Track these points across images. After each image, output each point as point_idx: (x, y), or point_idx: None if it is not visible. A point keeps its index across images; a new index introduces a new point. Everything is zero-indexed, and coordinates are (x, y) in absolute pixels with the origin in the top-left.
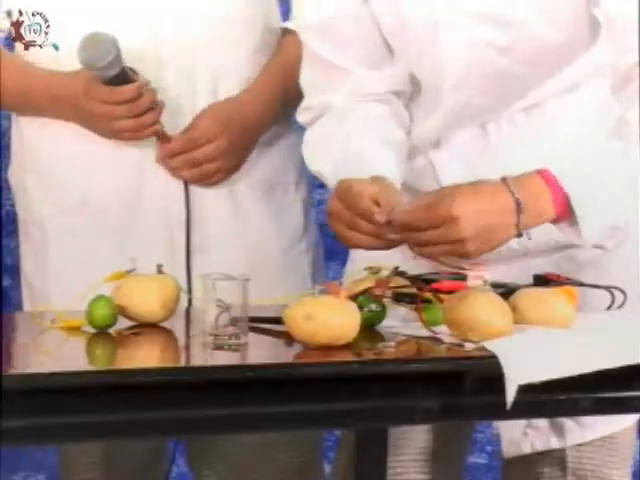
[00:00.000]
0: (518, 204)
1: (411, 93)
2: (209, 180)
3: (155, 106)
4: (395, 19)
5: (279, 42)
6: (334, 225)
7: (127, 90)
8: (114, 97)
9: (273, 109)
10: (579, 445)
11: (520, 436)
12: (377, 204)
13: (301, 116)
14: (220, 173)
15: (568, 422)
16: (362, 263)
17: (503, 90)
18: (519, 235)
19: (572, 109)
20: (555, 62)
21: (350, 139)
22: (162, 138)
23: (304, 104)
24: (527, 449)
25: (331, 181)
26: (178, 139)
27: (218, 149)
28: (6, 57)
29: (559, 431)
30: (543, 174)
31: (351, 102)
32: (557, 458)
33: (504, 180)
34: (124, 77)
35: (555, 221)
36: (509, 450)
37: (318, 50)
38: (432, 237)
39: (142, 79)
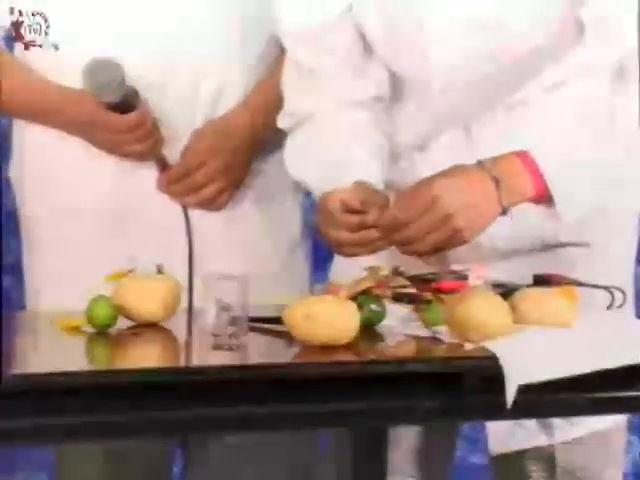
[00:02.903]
0: (496, 181)
1: (397, 97)
2: (214, 204)
3: (157, 126)
4: (382, 26)
5: (282, 49)
6: (326, 241)
7: (133, 118)
8: (122, 127)
9: (269, 122)
10: (568, 442)
11: (507, 433)
12: (351, 210)
13: (282, 122)
14: (222, 195)
15: (556, 419)
16: (349, 260)
17: (489, 92)
18: (504, 213)
19: (554, 107)
20: (541, 63)
21: (333, 147)
22: (159, 161)
23: (285, 110)
24: (514, 446)
25: (314, 189)
26: (174, 167)
27: (213, 171)
28: (15, 69)
29: (547, 428)
30: (520, 155)
31: (333, 109)
32: (546, 455)
33: (479, 162)
34: (128, 101)
35: (534, 202)
36: (496, 447)
37: (301, 57)
38: (421, 226)
39: (142, 102)
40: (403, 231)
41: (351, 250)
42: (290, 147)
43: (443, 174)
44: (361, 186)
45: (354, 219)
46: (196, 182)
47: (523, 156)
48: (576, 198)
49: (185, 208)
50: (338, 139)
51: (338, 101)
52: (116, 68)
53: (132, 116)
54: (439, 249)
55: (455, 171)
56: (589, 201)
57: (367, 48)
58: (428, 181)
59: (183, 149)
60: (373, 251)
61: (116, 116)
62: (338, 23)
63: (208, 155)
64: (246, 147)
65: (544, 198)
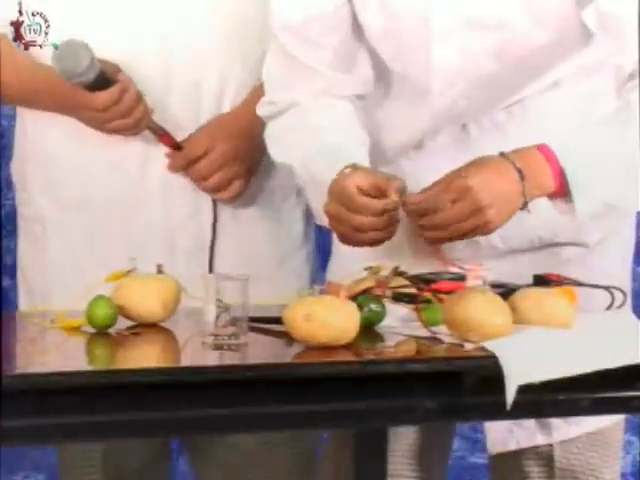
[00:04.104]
0: (520, 172)
1: (395, 94)
2: (225, 193)
3: (141, 99)
4: (382, 22)
5: None
6: (336, 227)
7: (107, 96)
8: (96, 105)
9: None
10: (566, 441)
11: (506, 433)
12: (373, 195)
13: (262, 109)
14: (233, 183)
15: (555, 419)
16: (346, 259)
17: (490, 92)
18: (524, 205)
19: (552, 107)
20: (543, 64)
21: (322, 132)
22: (155, 132)
23: (268, 98)
24: (513, 446)
25: (300, 173)
26: (178, 155)
27: (220, 157)
28: (14, 55)
29: (545, 427)
30: (541, 148)
31: (319, 99)
32: (544, 454)
33: (502, 154)
34: (104, 78)
35: (551, 196)
36: (495, 447)
37: (293, 50)
38: (453, 215)
39: (122, 76)
40: (433, 217)
41: (370, 235)
42: (273, 132)
43: (474, 166)
44: (374, 171)
45: (378, 203)
46: (201, 170)
47: (544, 149)
48: (593, 194)
49: (214, 201)
50: (327, 126)
51: (324, 93)
52: (83, 50)
53: (107, 93)
54: (464, 237)
55: (483, 163)
56: (604, 197)
57: (357, 43)
58: (461, 172)
59: (188, 137)
60: (390, 236)
61: (91, 95)
62: (332, 18)
63: (210, 144)
64: (252, 141)
65: (560, 193)
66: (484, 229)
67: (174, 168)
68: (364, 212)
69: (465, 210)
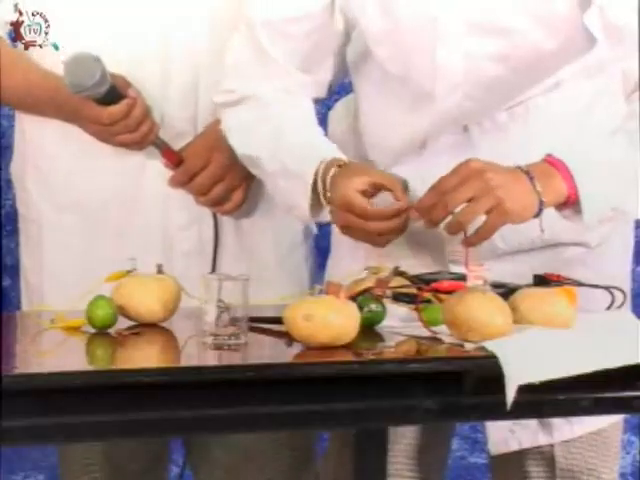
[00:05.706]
0: (529, 175)
1: (394, 95)
2: (228, 204)
3: (148, 114)
4: (386, 25)
5: None
6: (349, 234)
7: (117, 110)
8: (105, 119)
9: None
10: (567, 441)
11: (507, 433)
12: (372, 193)
13: (219, 96)
14: (235, 193)
15: (555, 418)
16: (345, 259)
17: (494, 95)
18: (539, 213)
19: (554, 107)
20: (548, 68)
21: (291, 126)
22: (159, 147)
23: (227, 86)
24: (514, 446)
25: (269, 163)
26: (178, 170)
27: (219, 169)
28: (18, 60)
29: (547, 428)
30: (548, 159)
31: (283, 93)
32: (545, 454)
33: (514, 166)
34: (114, 92)
35: (560, 207)
36: (496, 447)
37: (268, 45)
38: (462, 193)
39: (132, 92)
40: (444, 202)
41: (389, 238)
42: (232, 123)
43: (483, 161)
44: (366, 168)
45: (389, 210)
46: (202, 184)
47: (551, 160)
48: (601, 202)
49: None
50: (295, 121)
51: (285, 91)
52: (94, 63)
53: (116, 108)
54: (488, 231)
55: (494, 164)
56: (612, 203)
57: (328, 48)
58: (468, 160)
59: (185, 152)
60: (403, 232)
61: (100, 109)
62: (317, 18)
63: (208, 156)
64: None
65: (573, 200)
66: (500, 213)
67: (175, 183)
68: (377, 218)
69: (473, 187)
